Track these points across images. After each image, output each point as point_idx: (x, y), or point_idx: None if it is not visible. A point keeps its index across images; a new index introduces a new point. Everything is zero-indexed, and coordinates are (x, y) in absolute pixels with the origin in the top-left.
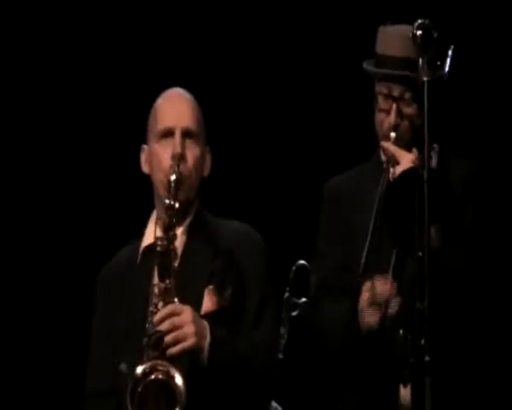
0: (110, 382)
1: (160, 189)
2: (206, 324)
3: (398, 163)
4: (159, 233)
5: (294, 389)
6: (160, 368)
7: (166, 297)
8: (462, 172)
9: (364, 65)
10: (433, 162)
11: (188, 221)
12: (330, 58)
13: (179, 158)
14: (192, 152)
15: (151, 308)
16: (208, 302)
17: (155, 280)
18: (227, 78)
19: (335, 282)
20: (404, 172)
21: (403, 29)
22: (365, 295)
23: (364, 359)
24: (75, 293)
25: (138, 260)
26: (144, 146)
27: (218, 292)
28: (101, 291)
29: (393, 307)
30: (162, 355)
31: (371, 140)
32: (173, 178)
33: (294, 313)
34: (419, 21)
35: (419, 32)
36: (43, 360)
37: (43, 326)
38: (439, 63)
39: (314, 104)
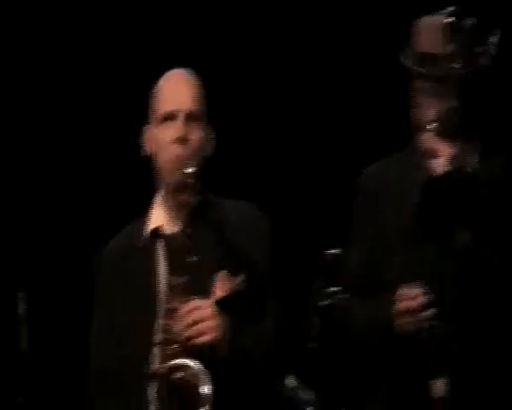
0: (118, 365)
1: (163, 172)
2: (223, 318)
3: (437, 156)
4: (176, 228)
5: (327, 378)
6: (186, 368)
7: (185, 294)
8: (502, 167)
9: (402, 59)
10: (473, 160)
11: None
12: (363, 39)
13: (191, 154)
14: (195, 135)
15: (167, 306)
16: (220, 288)
17: (171, 277)
18: (250, 60)
19: (366, 278)
20: (444, 174)
21: (442, 23)
22: (400, 305)
23: (396, 351)
24: (74, 276)
25: (143, 243)
26: (146, 127)
27: (230, 277)
28: (103, 274)
29: (428, 317)
30: (183, 352)
31: (405, 128)
32: (190, 170)
33: (326, 302)
34: (450, 9)
35: (450, 20)
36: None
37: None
38: (481, 50)
39: (346, 91)
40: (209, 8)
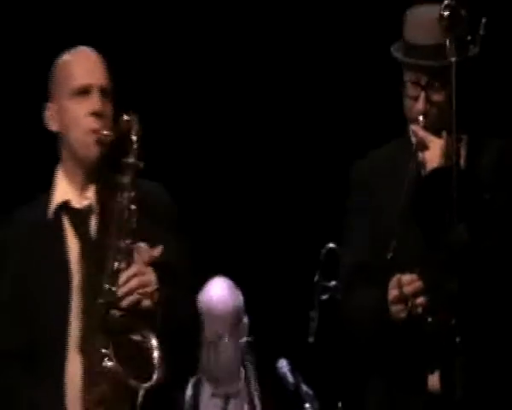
0: (22, 342)
1: (77, 146)
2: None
3: (427, 148)
4: (85, 202)
5: (325, 373)
6: (140, 331)
7: (127, 257)
8: (494, 154)
9: (392, 50)
10: (462, 154)
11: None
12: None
13: (134, 118)
14: (108, 110)
15: (112, 267)
16: (139, 259)
17: (112, 239)
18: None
19: (366, 257)
20: (435, 170)
21: (431, 14)
22: (392, 292)
23: (393, 345)
24: None
25: (49, 217)
26: (49, 103)
27: (148, 249)
28: (5, 250)
29: (421, 303)
30: (127, 315)
31: (398, 119)
32: (135, 138)
33: (325, 297)
34: (446, 2)
35: (446, 13)
36: None
37: None
38: (469, 38)
39: (341, 85)
40: None
